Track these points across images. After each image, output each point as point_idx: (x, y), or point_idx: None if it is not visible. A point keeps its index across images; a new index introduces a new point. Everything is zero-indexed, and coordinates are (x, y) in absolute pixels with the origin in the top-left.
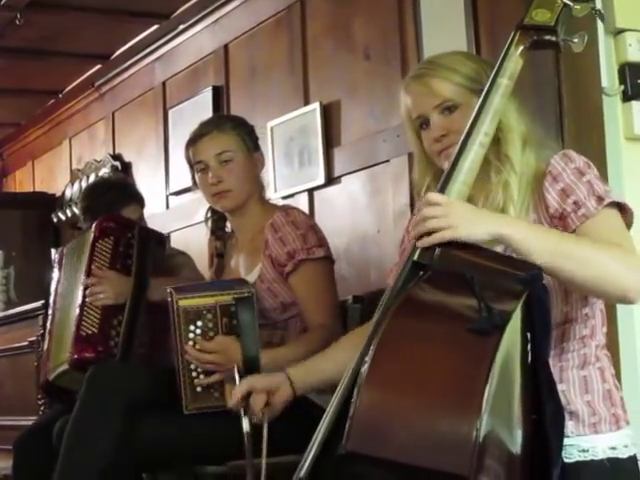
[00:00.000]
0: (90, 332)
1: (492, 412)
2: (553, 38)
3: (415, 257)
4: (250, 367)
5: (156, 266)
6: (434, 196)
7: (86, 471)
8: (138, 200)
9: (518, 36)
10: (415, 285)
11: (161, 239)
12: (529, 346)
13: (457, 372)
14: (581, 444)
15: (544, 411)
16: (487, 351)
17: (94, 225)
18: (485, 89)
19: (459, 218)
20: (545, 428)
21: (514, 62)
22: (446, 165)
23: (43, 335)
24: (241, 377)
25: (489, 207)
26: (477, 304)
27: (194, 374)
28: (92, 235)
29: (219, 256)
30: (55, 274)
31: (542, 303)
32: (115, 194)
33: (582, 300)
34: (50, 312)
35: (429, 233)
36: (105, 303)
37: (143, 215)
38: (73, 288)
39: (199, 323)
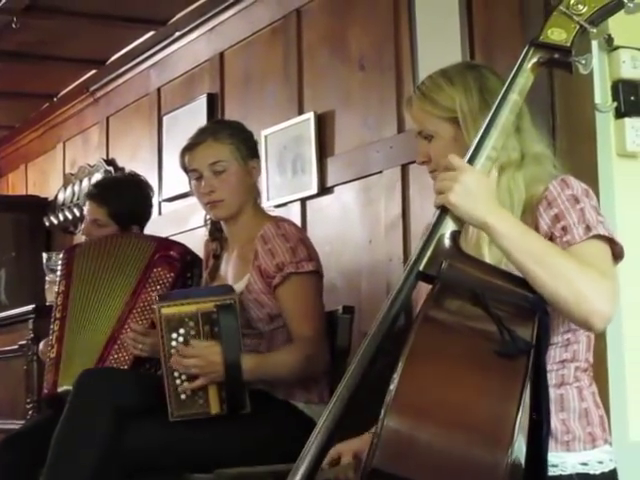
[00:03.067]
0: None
1: (518, 437)
2: (567, 59)
3: (421, 267)
4: (232, 372)
5: None
6: (454, 160)
7: (73, 477)
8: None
9: (532, 52)
10: (431, 301)
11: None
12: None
13: (489, 399)
14: (552, 459)
15: (542, 428)
16: (517, 378)
17: (157, 243)
18: (495, 103)
19: (460, 189)
20: (542, 444)
21: (525, 78)
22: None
23: (34, 339)
24: (224, 381)
25: (469, 232)
26: (494, 324)
27: (178, 381)
28: (150, 255)
29: (215, 257)
30: (62, 273)
31: (546, 325)
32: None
33: (564, 325)
34: (59, 316)
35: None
36: (139, 355)
37: None
38: (101, 298)
39: (181, 331)
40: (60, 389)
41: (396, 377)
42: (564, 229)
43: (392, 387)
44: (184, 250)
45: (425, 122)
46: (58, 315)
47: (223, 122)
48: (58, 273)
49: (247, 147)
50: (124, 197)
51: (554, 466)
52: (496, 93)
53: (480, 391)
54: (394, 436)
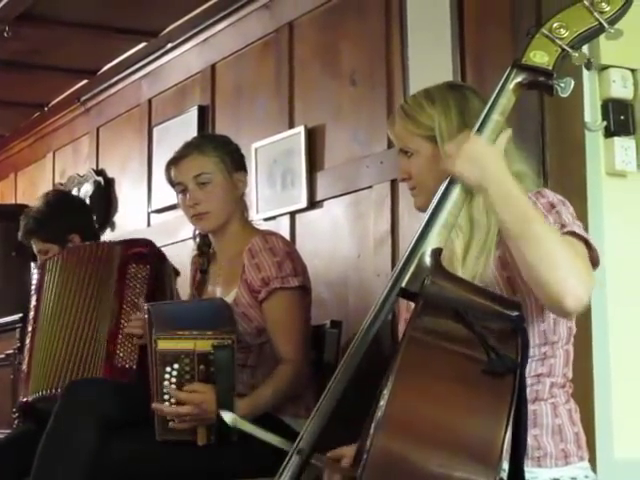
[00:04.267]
0: (127, 366)
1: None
2: (549, 82)
3: (403, 284)
4: (224, 420)
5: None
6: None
7: None
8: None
9: (514, 74)
10: (415, 319)
11: (177, 273)
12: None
13: (478, 419)
14: None
15: (522, 443)
16: (505, 398)
17: (122, 245)
18: (478, 124)
19: (464, 155)
20: (521, 459)
21: (507, 99)
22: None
23: (20, 349)
24: (215, 429)
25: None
26: (479, 343)
27: (168, 418)
28: (121, 255)
29: (202, 272)
30: (34, 290)
31: (526, 342)
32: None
33: (541, 338)
34: (30, 329)
35: None
36: (141, 343)
37: None
38: (77, 307)
39: (175, 366)
40: (30, 398)
41: (386, 393)
42: None
43: (382, 403)
44: (149, 244)
45: (406, 140)
46: (30, 329)
47: (208, 136)
48: (32, 288)
49: (232, 160)
50: (47, 223)
51: None
52: (477, 114)
53: (469, 410)
54: (384, 454)
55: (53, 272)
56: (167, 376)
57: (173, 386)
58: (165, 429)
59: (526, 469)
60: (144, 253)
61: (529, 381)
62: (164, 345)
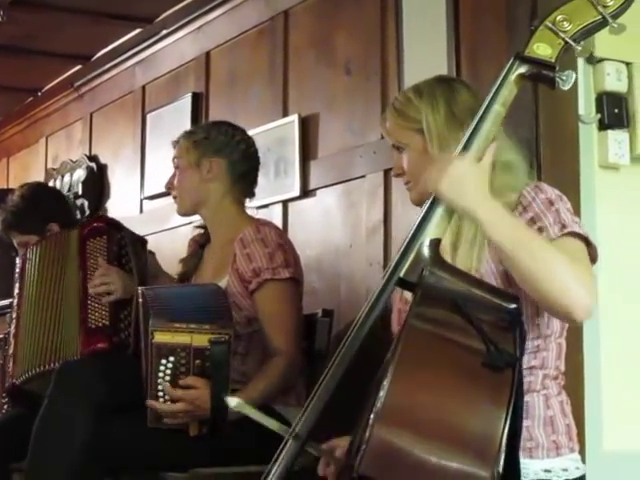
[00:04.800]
0: (101, 324)
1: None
2: (551, 74)
3: (402, 274)
4: (218, 415)
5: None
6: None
7: (54, 470)
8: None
9: (516, 65)
10: (415, 310)
11: (144, 242)
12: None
13: (478, 413)
14: None
15: (519, 435)
16: (504, 391)
17: (80, 227)
18: (479, 114)
19: (448, 179)
20: (517, 451)
21: (509, 90)
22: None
23: (9, 335)
24: (208, 423)
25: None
26: (478, 335)
27: (161, 402)
28: (79, 235)
29: (200, 246)
30: (17, 279)
31: (523, 335)
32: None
33: (534, 331)
34: (14, 316)
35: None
36: (115, 297)
37: None
38: (48, 290)
39: (171, 358)
40: (18, 381)
41: (386, 384)
42: (540, 229)
43: (382, 394)
44: (103, 218)
45: (397, 135)
46: (14, 315)
47: (210, 122)
48: (15, 276)
49: (206, 145)
50: (23, 216)
51: None
52: (466, 107)
53: (468, 403)
54: (383, 445)
55: (33, 260)
56: (162, 368)
57: (168, 379)
58: (158, 421)
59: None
60: (98, 227)
61: (522, 373)
62: (160, 338)
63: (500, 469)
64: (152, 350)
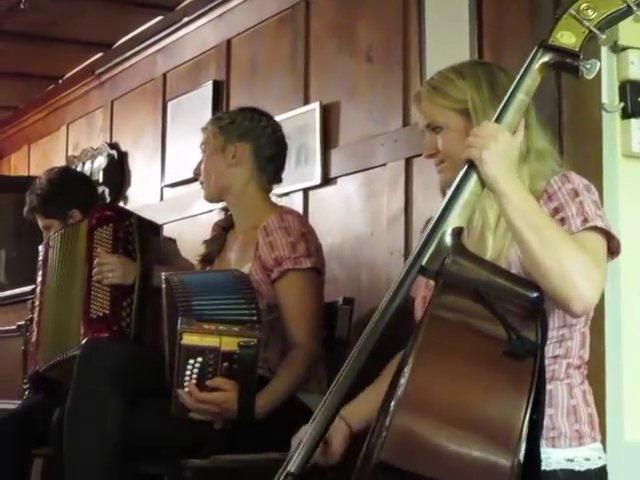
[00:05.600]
0: (101, 314)
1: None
2: (575, 63)
3: (424, 262)
4: (244, 416)
5: (155, 254)
6: (489, 125)
7: (88, 456)
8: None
9: (540, 54)
10: (437, 298)
11: (156, 228)
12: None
13: (498, 400)
14: None
15: (540, 423)
16: (525, 380)
17: (89, 215)
18: (503, 103)
19: (495, 149)
20: (538, 439)
21: (532, 79)
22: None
23: (31, 322)
24: (234, 425)
25: (470, 228)
26: (500, 324)
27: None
28: (88, 224)
29: (224, 229)
30: (40, 267)
31: (546, 323)
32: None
33: (560, 320)
34: (37, 303)
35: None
36: (113, 282)
37: None
38: (65, 279)
39: (199, 359)
40: (42, 368)
41: (407, 372)
42: (562, 220)
43: (403, 381)
44: (111, 207)
45: (435, 114)
46: (37, 302)
47: (236, 109)
48: (39, 265)
49: (231, 130)
50: (48, 200)
51: None
52: (505, 88)
53: (490, 391)
54: (403, 430)
55: (55, 248)
56: (189, 367)
57: (195, 378)
58: (184, 411)
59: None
60: (105, 215)
61: (546, 362)
62: (189, 340)
63: (521, 457)
64: (180, 351)
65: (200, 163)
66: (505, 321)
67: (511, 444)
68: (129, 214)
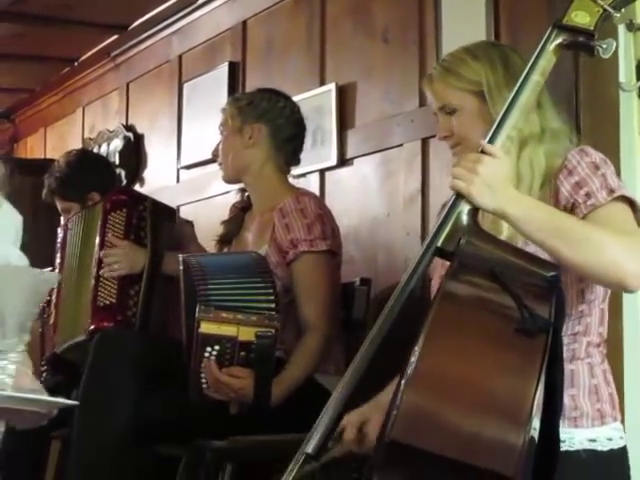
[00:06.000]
0: (108, 302)
1: (536, 413)
2: (590, 42)
3: (439, 243)
4: (259, 403)
5: (167, 240)
6: (471, 155)
7: (102, 437)
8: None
9: (555, 34)
10: (450, 277)
11: (171, 213)
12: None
13: (508, 377)
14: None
15: (557, 403)
16: (536, 357)
17: (105, 198)
18: (518, 84)
19: (479, 181)
20: (556, 419)
21: (547, 60)
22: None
23: (49, 303)
24: (250, 410)
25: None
26: (513, 301)
27: (204, 385)
28: (103, 208)
29: (242, 209)
30: (58, 249)
31: (563, 303)
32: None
33: (579, 297)
34: (55, 286)
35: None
36: (120, 274)
37: None
38: (82, 262)
39: (216, 347)
40: (59, 350)
41: (417, 350)
42: (587, 195)
43: (413, 359)
44: (129, 190)
45: (449, 96)
46: (54, 286)
47: (254, 90)
48: (57, 247)
49: (249, 111)
50: (67, 182)
51: (561, 442)
52: (519, 69)
53: (499, 368)
54: (413, 409)
55: (73, 231)
56: (207, 354)
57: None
58: (199, 394)
59: (562, 429)
60: (120, 200)
61: (565, 340)
62: (207, 328)
63: (533, 435)
64: (198, 339)
65: (219, 144)
66: (518, 298)
67: (521, 420)
68: (144, 198)
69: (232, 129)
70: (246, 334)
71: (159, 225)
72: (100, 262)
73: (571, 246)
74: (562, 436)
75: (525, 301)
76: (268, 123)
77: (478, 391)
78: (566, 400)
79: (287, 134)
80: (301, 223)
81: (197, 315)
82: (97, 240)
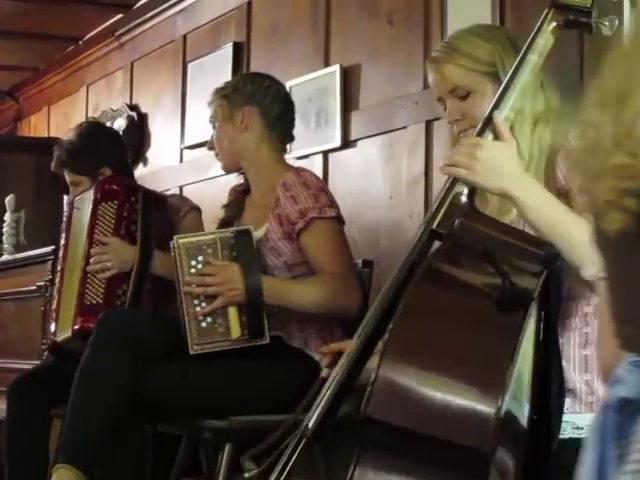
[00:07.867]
0: (95, 302)
1: (512, 389)
2: (587, 20)
3: (434, 225)
4: (252, 290)
5: (159, 230)
6: (467, 138)
7: (95, 411)
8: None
9: (552, 14)
10: (436, 255)
11: (160, 200)
12: (542, 324)
13: (483, 348)
14: (576, 421)
15: (550, 386)
16: (513, 329)
17: (95, 186)
18: (514, 65)
19: (481, 165)
20: (549, 402)
21: (545, 39)
22: None
23: (52, 281)
24: (244, 302)
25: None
26: (500, 278)
27: (198, 308)
28: (93, 197)
29: (243, 192)
30: (63, 229)
31: (558, 283)
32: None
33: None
34: (59, 268)
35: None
36: (111, 274)
37: None
38: (79, 248)
39: (200, 258)
40: (59, 338)
41: (391, 327)
42: None
43: (387, 336)
44: (121, 179)
45: (461, 78)
46: (59, 267)
47: (233, 79)
48: (62, 226)
49: (235, 96)
50: (78, 156)
51: (579, 428)
52: None
53: (473, 343)
54: (386, 385)
55: (80, 210)
56: (193, 270)
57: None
58: (198, 329)
59: (580, 416)
60: (112, 190)
61: (578, 323)
62: (186, 240)
63: (507, 409)
64: (180, 254)
65: (212, 137)
66: (505, 275)
67: (493, 394)
68: (136, 189)
69: (223, 118)
70: (224, 234)
71: (150, 219)
72: (89, 256)
73: (571, 248)
74: (580, 423)
75: (512, 276)
76: (257, 104)
77: (450, 366)
78: (582, 385)
79: (277, 112)
80: (307, 193)
81: (174, 240)
82: (85, 231)
